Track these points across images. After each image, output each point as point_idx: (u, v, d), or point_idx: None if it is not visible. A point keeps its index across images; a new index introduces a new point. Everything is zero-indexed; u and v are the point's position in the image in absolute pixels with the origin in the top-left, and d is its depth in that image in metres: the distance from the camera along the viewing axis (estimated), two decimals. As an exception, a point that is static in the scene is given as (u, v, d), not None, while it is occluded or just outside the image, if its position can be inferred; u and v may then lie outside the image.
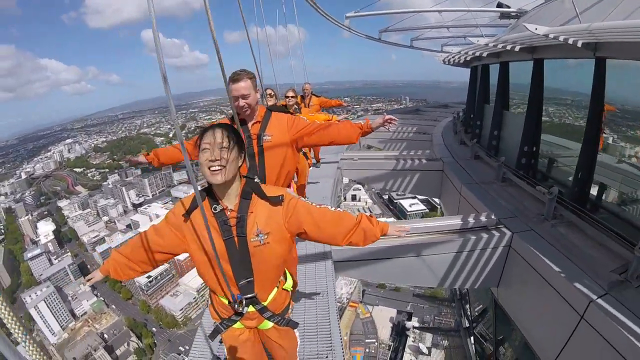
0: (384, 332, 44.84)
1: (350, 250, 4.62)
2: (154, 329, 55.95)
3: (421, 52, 13.38)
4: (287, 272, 2.13)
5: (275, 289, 1.99)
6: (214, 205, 1.73)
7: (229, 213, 1.74)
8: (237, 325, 2.01)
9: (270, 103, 5.02)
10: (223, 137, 1.62)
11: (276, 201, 1.78)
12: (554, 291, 3.67)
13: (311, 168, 6.75)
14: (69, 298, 59.27)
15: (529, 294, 4.32)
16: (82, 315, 58.00)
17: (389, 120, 2.66)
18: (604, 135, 4.65)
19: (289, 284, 2.10)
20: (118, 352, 52.64)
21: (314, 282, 4.09)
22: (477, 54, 7.41)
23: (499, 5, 9.08)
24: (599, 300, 3.18)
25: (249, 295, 1.87)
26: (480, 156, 7.50)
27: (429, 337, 40.00)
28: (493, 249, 4.53)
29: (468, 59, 8.61)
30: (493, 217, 4.70)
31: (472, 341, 9.47)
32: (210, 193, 1.75)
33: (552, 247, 4.04)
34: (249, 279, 1.83)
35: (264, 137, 2.62)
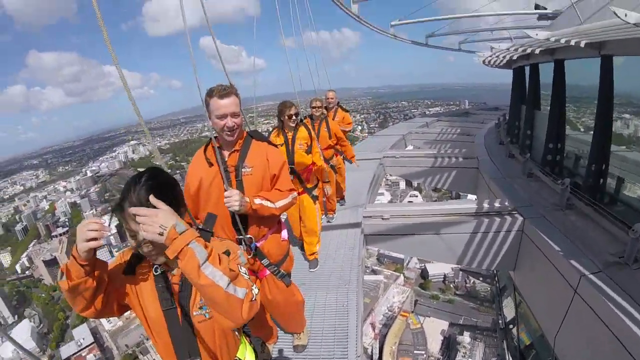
0: (434, 344, 43.55)
1: (378, 224, 5.45)
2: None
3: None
4: (244, 340, 1.71)
5: None
6: (155, 266, 1.39)
7: (171, 277, 1.41)
8: None
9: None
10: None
11: None
12: (554, 268, 4.06)
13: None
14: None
15: (536, 275, 4.70)
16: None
17: None
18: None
19: (242, 352, 1.64)
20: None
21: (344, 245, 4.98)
22: (529, 50, 6.47)
23: (537, 7, 9.28)
24: (591, 276, 3.41)
25: None
26: (514, 155, 7.86)
27: (479, 353, 38.39)
28: (506, 232, 4.97)
29: (515, 57, 8.19)
30: (507, 203, 5.23)
31: (507, 342, 8.99)
32: None
33: (557, 231, 4.40)
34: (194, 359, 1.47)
35: (244, 170, 2.27)
